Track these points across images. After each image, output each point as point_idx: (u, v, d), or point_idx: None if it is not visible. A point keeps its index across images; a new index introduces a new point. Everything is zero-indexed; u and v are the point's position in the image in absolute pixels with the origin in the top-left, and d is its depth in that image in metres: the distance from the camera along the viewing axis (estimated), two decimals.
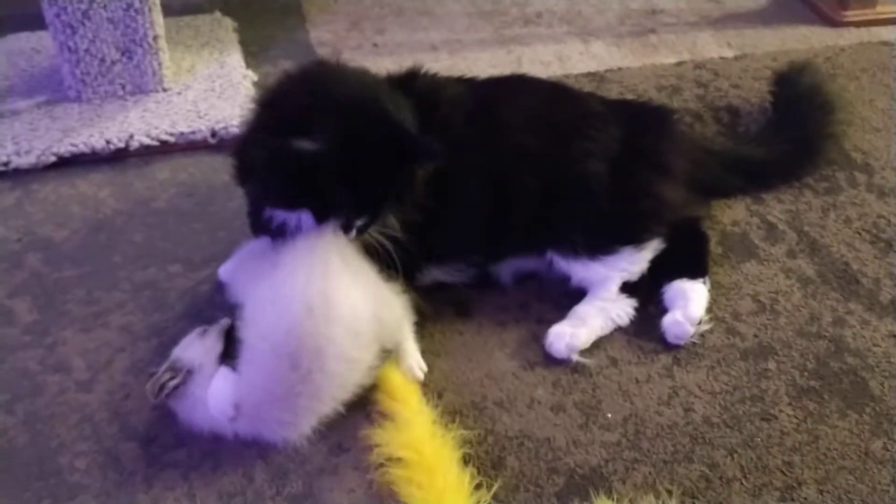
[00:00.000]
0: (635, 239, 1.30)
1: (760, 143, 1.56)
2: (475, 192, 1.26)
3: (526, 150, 1.28)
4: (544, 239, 1.31)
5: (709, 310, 1.32)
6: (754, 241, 1.46)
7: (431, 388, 1.20)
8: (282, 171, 1.07)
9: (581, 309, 1.30)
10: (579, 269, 1.30)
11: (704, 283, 1.34)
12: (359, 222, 1.13)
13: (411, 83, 1.27)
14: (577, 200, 1.29)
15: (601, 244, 1.29)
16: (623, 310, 1.31)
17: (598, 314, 1.29)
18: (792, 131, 1.56)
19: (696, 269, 1.34)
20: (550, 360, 1.25)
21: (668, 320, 1.28)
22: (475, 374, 1.23)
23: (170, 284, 1.34)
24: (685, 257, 1.35)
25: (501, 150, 1.27)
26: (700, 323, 1.29)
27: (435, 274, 1.30)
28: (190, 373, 1.11)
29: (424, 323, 1.25)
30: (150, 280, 1.35)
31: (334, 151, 1.05)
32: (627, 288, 1.31)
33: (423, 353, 1.24)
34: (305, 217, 1.12)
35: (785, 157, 1.54)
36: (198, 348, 1.14)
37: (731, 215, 1.51)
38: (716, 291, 1.36)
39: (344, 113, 1.09)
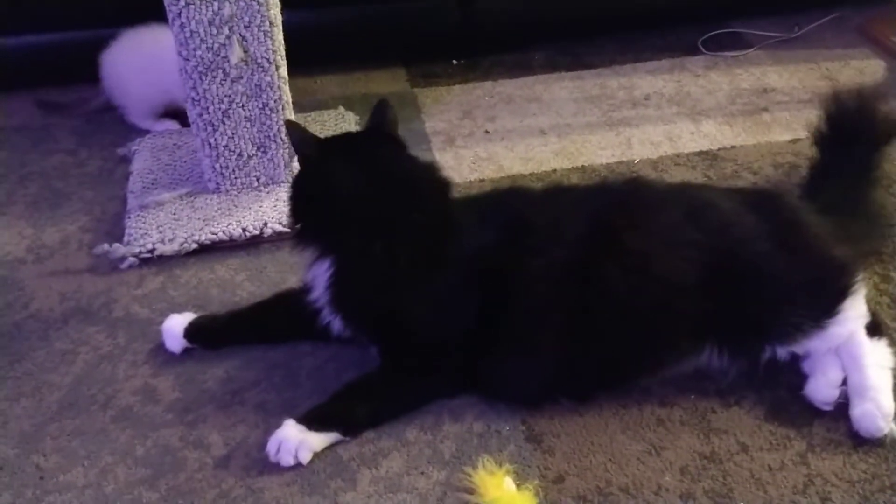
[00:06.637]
0: (846, 290, 1.25)
1: None
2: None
3: (681, 278, 1.23)
4: (749, 333, 1.26)
5: None
6: (885, 321, 1.41)
7: (553, 471, 1.20)
8: None
9: (860, 381, 1.23)
10: (817, 343, 1.25)
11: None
12: None
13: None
14: (754, 286, 1.23)
15: (821, 311, 1.24)
16: (885, 351, 1.26)
17: (879, 373, 1.23)
18: None
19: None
20: (681, 446, 1.23)
21: (857, 413, 1.22)
22: (598, 458, 1.22)
23: (299, 363, 1.41)
24: None
25: (645, 282, 1.23)
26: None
27: None
28: None
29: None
30: (282, 359, 1.42)
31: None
32: (870, 330, 1.27)
33: (543, 435, 1.25)
34: None
35: None
36: None
37: None
38: None
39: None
